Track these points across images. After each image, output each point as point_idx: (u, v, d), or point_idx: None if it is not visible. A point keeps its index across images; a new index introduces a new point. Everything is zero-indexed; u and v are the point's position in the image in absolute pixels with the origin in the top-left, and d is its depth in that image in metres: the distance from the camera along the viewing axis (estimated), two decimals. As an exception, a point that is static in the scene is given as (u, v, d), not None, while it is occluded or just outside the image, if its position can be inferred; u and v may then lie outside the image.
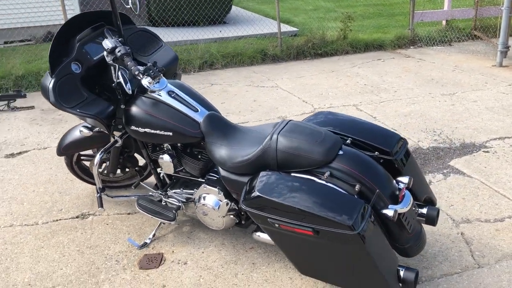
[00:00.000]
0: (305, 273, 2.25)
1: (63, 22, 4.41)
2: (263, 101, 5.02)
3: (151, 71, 2.48)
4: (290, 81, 5.70)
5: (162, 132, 2.46)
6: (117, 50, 2.33)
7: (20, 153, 3.97)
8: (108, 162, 2.96)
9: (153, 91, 2.52)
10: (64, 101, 2.39)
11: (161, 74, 2.53)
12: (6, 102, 5.10)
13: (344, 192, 2.06)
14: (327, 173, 2.12)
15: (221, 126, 2.49)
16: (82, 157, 3.10)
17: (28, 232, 2.86)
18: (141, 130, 2.50)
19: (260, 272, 2.45)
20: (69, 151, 2.94)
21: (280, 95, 5.21)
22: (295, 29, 7.94)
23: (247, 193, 2.16)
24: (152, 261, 2.57)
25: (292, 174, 2.17)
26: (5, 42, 7.48)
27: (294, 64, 6.57)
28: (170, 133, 2.46)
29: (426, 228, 2.42)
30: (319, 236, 1.97)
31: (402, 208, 2.09)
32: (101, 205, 2.63)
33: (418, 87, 5.26)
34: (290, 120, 2.34)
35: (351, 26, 7.17)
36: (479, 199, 3.01)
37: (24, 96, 5.18)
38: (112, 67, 2.42)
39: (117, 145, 2.68)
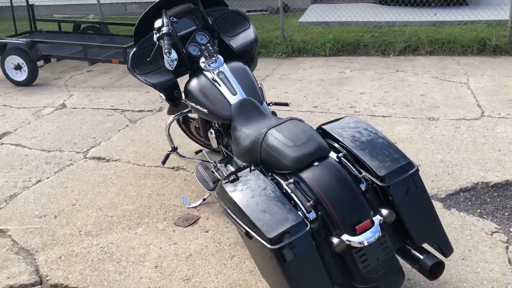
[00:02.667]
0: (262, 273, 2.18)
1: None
2: (430, 97, 4.50)
3: (205, 51, 2.70)
4: (487, 80, 4.87)
5: (201, 108, 2.67)
6: (162, 29, 2.62)
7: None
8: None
9: (207, 70, 2.72)
10: (137, 68, 2.83)
11: (217, 55, 2.71)
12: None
13: (291, 205, 1.89)
14: (290, 180, 1.99)
15: (247, 113, 2.53)
16: (188, 118, 3.55)
17: (133, 170, 3.53)
18: (190, 103, 2.76)
19: (253, 262, 2.48)
20: (173, 112, 3.43)
21: (458, 93, 4.55)
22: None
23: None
24: (187, 221, 2.87)
25: (270, 174, 2.11)
26: (247, 11, 8.54)
27: (513, 60, 5.51)
28: (206, 110, 2.65)
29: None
30: (252, 240, 1.92)
31: (354, 241, 1.81)
32: (164, 161, 3.05)
33: None
34: (291, 118, 2.22)
35: None
36: None
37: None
38: (159, 44, 2.68)
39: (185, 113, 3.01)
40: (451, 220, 2.70)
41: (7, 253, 2.69)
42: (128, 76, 5.84)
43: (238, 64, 2.80)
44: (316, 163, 1.99)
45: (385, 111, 4.24)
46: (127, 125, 4.37)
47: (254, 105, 2.58)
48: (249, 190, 1.97)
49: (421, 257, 1.95)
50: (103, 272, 2.50)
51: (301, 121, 2.25)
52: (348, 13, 7.25)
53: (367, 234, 1.83)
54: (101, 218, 2.96)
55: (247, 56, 2.97)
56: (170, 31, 2.58)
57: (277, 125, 2.18)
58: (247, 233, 1.90)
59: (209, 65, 2.71)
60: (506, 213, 2.75)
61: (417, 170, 1.98)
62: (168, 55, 2.52)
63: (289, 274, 1.77)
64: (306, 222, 1.83)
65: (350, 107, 4.42)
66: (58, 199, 3.20)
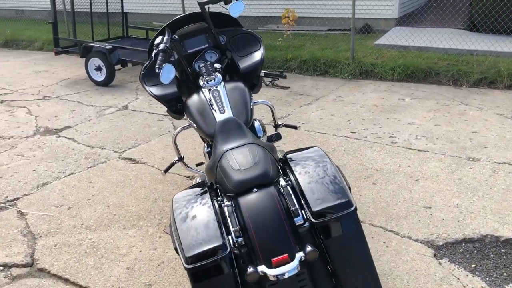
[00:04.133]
0: None
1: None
2: (482, 135, 4.15)
3: (204, 70, 2.81)
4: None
5: (193, 123, 2.77)
6: (159, 46, 2.75)
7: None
8: None
9: (205, 87, 2.82)
10: (147, 79, 3.01)
11: (216, 73, 2.80)
12: (271, 79, 6.11)
13: (221, 229, 1.91)
14: (227, 203, 2.01)
15: (228, 132, 2.56)
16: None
17: (152, 174, 3.74)
18: (186, 116, 2.87)
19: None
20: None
21: (516, 134, 4.15)
22: None
23: None
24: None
25: (222, 195, 2.14)
26: (329, 29, 8.50)
27: None
28: (195, 126, 2.74)
29: None
30: (179, 256, 1.97)
31: (268, 274, 1.78)
32: (166, 170, 3.19)
33: None
34: (252, 143, 2.23)
35: None
36: None
37: (284, 77, 6.05)
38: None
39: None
40: (434, 271, 2.49)
41: (16, 233, 3.03)
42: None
43: (236, 84, 2.85)
44: (255, 190, 1.99)
45: (423, 145, 4.00)
46: (168, 131, 4.62)
47: (237, 125, 2.61)
48: (190, 208, 2.03)
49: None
50: (83, 265, 2.70)
51: (269, 146, 2.25)
52: (429, 38, 6.92)
53: (284, 268, 1.79)
54: (105, 215, 3.20)
55: (252, 76, 3.02)
56: (166, 47, 2.72)
57: (235, 147, 2.21)
58: (175, 249, 1.96)
59: (207, 83, 2.81)
60: (505, 273, 2.47)
61: (355, 210, 1.89)
62: (158, 70, 2.66)
63: (201, 295, 1.80)
64: (227, 246, 1.84)
65: (389, 137, 4.23)
66: (78, 192, 3.50)
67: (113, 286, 2.52)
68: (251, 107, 2.77)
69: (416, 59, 6.31)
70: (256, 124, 2.91)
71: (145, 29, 7.65)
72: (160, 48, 2.69)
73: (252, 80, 3.00)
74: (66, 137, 4.60)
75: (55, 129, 4.82)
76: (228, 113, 2.66)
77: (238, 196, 2.00)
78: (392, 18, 8.17)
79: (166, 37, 2.77)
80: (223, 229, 1.91)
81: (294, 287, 1.81)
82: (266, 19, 8.90)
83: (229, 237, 1.90)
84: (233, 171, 2.06)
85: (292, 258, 1.81)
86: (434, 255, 2.63)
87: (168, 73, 2.72)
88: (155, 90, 2.93)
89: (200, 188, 2.15)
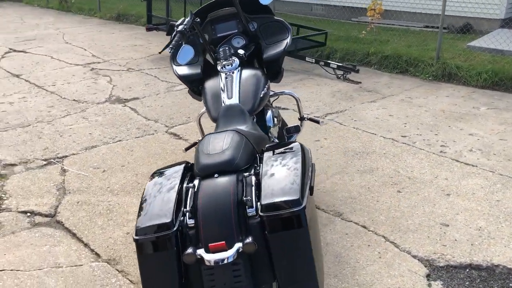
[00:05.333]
0: None
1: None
2: (549, 157, 3.69)
3: (222, 55, 2.85)
4: None
5: (204, 105, 2.84)
6: (178, 27, 2.83)
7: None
8: None
9: (221, 72, 2.87)
10: (176, 58, 3.13)
11: (233, 58, 2.84)
12: (343, 72, 5.96)
13: (176, 208, 1.96)
14: (189, 185, 2.05)
15: (229, 117, 2.60)
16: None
17: (189, 151, 3.90)
18: (202, 98, 2.95)
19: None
20: None
21: None
22: None
23: None
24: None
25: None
26: (426, 26, 7.98)
27: None
28: (205, 108, 2.81)
29: None
30: None
31: (204, 258, 1.80)
32: (187, 149, 3.31)
33: None
34: (233, 130, 2.24)
35: None
36: None
37: (357, 71, 5.85)
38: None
39: None
40: (418, 292, 2.33)
41: (52, 187, 3.38)
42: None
43: (252, 72, 2.86)
44: (216, 175, 2.02)
45: (474, 159, 3.66)
46: (221, 113, 4.75)
47: (239, 111, 2.64)
48: (159, 184, 2.12)
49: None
50: (92, 223, 2.95)
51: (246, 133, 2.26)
52: (532, 44, 6.21)
53: (219, 255, 1.81)
54: (131, 182, 3.43)
55: (274, 65, 3.00)
56: (183, 29, 2.81)
57: (216, 132, 2.25)
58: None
59: (224, 67, 2.86)
60: (501, 310, 2.23)
61: (302, 209, 1.84)
62: (170, 50, 2.76)
63: (142, 267, 1.89)
64: (175, 225, 1.90)
65: (441, 145, 3.94)
66: (117, 158, 3.79)
67: (108, 247, 2.72)
68: (261, 95, 2.77)
69: (509, 65, 5.71)
70: (268, 113, 2.90)
71: (296, 25, 7.06)
72: (178, 29, 2.79)
73: (273, 69, 2.99)
74: (130, 107, 4.95)
75: (124, 99, 5.21)
76: (235, 99, 2.69)
77: (202, 179, 2.05)
78: (497, 19, 7.43)
79: (187, 19, 2.86)
80: (181, 209, 1.97)
81: (228, 275, 1.82)
82: (361, 10, 8.60)
83: (183, 217, 1.96)
84: (203, 155, 2.11)
85: (230, 247, 1.82)
86: (427, 276, 2.44)
87: (185, 53, 2.82)
88: (180, 70, 3.05)
89: (178, 167, 2.22)
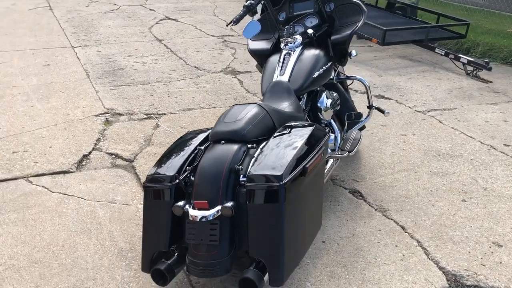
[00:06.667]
0: None
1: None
2: None
3: (285, 32, 2.90)
4: None
5: (261, 78, 2.93)
6: (247, 2, 2.90)
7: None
8: None
9: (283, 49, 2.92)
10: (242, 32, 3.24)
11: (295, 37, 2.86)
12: (473, 68, 5.42)
13: (183, 164, 2.14)
14: (200, 147, 2.21)
15: (274, 93, 2.66)
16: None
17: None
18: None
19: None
20: None
21: None
22: None
23: None
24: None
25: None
26: None
27: None
28: (260, 82, 2.90)
29: None
30: None
31: (189, 213, 1.95)
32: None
33: None
34: (256, 103, 2.31)
35: None
36: None
37: (489, 69, 5.27)
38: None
39: None
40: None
41: (141, 137, 3.82)
42: (367, 58, 5.98)
43: (313, 52, 2.86)
44: (222, 142, 2.15)
45: None
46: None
47: (284, 88, 2.68)
48: (182, 144, 2.32)
49: (248, 268, 1.90)
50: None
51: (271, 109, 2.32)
52: None
53: (200, 212, 1.95)
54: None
55: (339, 48, 2.95)
56: (249, 4, 2.90)
57: (241, 104, 2.36)
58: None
59: (286, 45, 2.91)
60: None
61: (282, 186, 1.87)
62: (227, 25, 2.90)
63: (144, 211, 2.14)
64: (175, 179, 2.08)
65: (547, 161, 3.42)
66: (204, 122, 4.10)
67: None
68: (315, 76, 2.77)
69: None
70: (322, 96, 2.88)
71: (436, 13, 6.36)
72: (245, 4, 2.91)
73: (339, 51, 2.94)
74: (238, 79, 5.24)
75: (237, 71, 5.52)
76: (286, 77, 2.75)
77: (212, 143, 2.20)
78: None
79: (260, -4, 2.96)
80: (187, 167, 2.15)
81: (204, 232, 1.96)
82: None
83: (189, 174, 2.14)
84: (219, 122, 2.25)
85: (211, 207, 1.95)
86: (441, 287, 2.24)
87: (251, 28, 2.95)
88: (251, 44, 3.19)
89: (204, 132, 2.39)
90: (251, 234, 1.92)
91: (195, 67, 5.61)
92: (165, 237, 2.06)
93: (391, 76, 5.38)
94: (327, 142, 2.37)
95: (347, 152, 2.87)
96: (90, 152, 3.54)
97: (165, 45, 6.47)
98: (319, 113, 2.87)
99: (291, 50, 2.88)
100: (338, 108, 3.01)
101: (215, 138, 2.19)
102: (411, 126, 4.01)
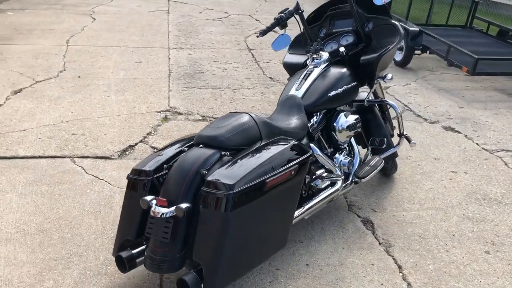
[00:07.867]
0: None
1: None
2: None
3: (312, 47, 2.85)
4: None
5: (284, 90, 2.92)
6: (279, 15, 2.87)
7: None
8: None
9: (308, 64, 2.88)
10: (292, 47, 3.22)
11: (321, 54, 2.80)
12: None
13: (164, 162, 2.24)
14: (183, 149, 2.28)
15: (285, 107, 2.64)
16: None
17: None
18: None
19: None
20: None
21: None
22: None
23: None
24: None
25: None
26: None
27: None
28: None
29: None
30: None
31: (151, 208, 2.04)
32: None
33: None
34: (248, 113, 2.31)
35: None
36: None
37: None
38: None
39: None
40: None
41: (187, 137, 4.00)
42: (455, 87, 5.51)
43: (337, 70, 2.79)
44: (200, 146, 2.20)
45: None
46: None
47: (295, 104, 2.65)
48: (173, 144, 2.42)
49: (189, 271, 1.93)
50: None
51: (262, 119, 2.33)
52: None
53: (159, 209, 2.02)
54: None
55: (366, 69, 2.82)
56: (280, 17, 2.88)
57: (234, 112, 2.39)
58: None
59: (313, 60, 2.86)
60: None
61: (230, 195, 1.88)
62: (257, 35, 2.90)
63: (124, 201, 2.28)
64: (151, 174, 2.18)
65: None
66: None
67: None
68: (331, 95, 2.71)
69: None
70: (340, 116, 2.78)
71: (487, 22, 6.92)
72: (276, 16, 2.93)
73: (367, 73, 2.82)
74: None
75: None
76: (301, 92, 2.72)
77: (194, 146, 2.27)
78: None
79: (290, 8, 2.95)
80: (165, 165, 2.25)
81: (159, 229, 2.03)
82: None
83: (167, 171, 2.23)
84: (206, 126, 2.32)
85: (170, 206, 2.02)
86: None
87: (280, 42, 2.98)
88: (287, 58, 3.21)
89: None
90: (197, 237, 1.95)
91: (270, 77, 5.70)
92: (133, 227, 2.17)
93: (473, 108, 4.93)
94: (307, 161, 2.30)
95: (351, 180, 2.74)
96: (136, 144, 3.80)
97: (252, 55, 6.67)
98: (333, 133, 2.77)
99: (315, 66, 2.83)
100: (358, 130, 2.87)
101: (196, 141, 2.25)
102: (468, 164, 3.65)
